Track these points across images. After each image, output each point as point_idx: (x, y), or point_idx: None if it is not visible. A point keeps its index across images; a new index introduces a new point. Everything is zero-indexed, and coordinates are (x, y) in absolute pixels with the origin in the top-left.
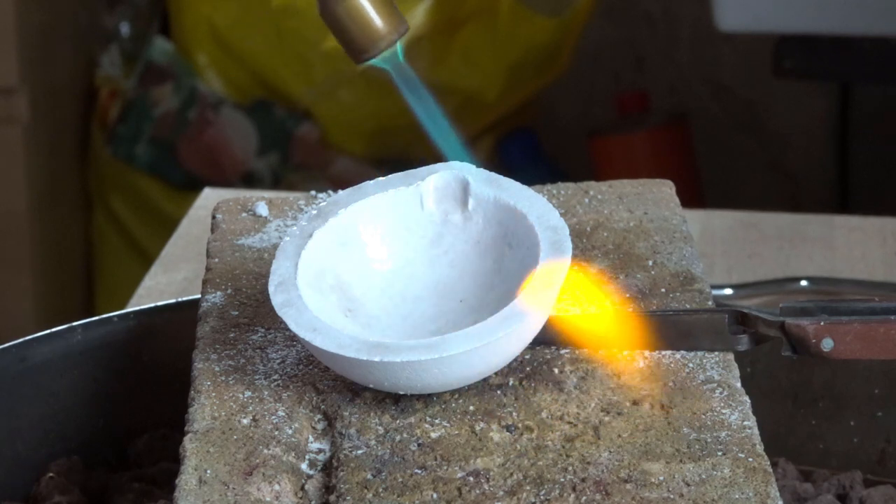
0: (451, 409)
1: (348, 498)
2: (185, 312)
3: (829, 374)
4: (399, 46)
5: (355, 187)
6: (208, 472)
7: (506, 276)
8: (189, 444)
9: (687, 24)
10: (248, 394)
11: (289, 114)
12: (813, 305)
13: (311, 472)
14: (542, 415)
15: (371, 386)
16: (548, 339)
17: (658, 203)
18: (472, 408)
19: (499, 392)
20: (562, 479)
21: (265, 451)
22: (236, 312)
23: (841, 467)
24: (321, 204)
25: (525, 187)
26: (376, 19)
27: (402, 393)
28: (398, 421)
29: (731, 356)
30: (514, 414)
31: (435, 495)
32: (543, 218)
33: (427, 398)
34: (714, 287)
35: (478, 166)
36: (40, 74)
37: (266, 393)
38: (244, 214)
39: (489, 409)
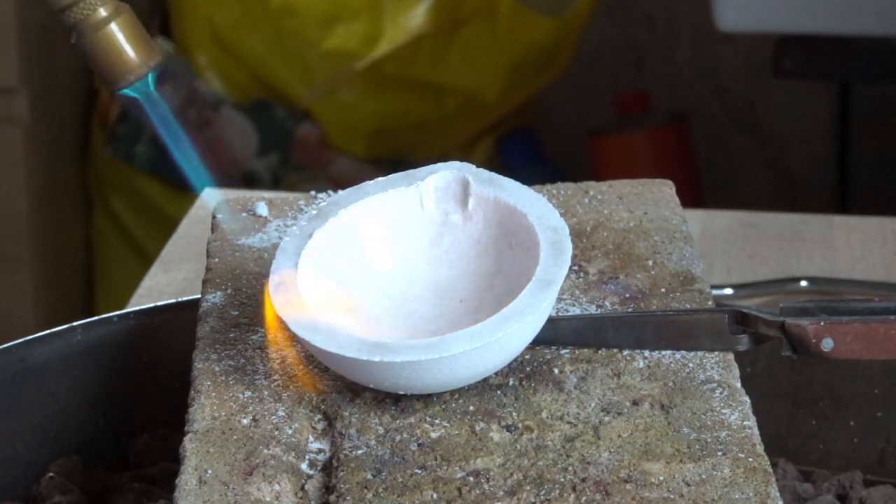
0: (451, 409)
1: (348, 498)
2: (185, 312)
3: (829, 374)
4: (151, 77)
5: (355, 187)
6: (208, 472)
7: (506, 276)
8: (189, 444)
9: (687, 24)
10: (248, 394)
11: (289, 114)
12: (813, 305)
13: (311, 472)
14: (542, 415)
15: (371, 386)
16: (548, 339)
17: (658, 203)
18: (472, 408)
19: (499, 392)
20: (562, 479)
21: (265, 451)
22: (236, 312)
23: (841, 467)
24: (321, 204)
25: (525, 187)
26: (128, 51)
27: (402, 393)
28: (398, 421)
29: (731, 356)
30: (514, 414)
31: (435, 495)
32: (543, 218)
33: (427, 398)
34: (714, 287)
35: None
36: (40, 74)
37: (266, 393)
38: (244, 214)
39: (489, 409)
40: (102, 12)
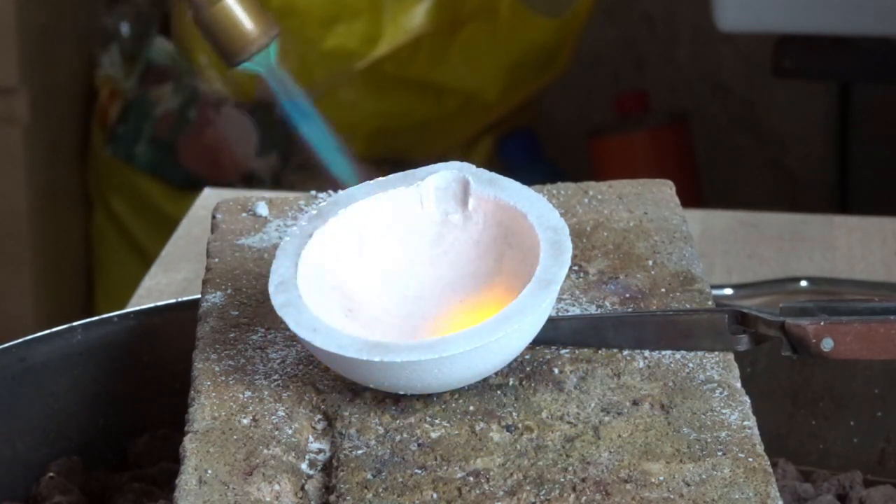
0: (451, 409)
1: (348, 498)
2: (185, 312)
3: (829, 374)
4: (272, 49)
5: (355, 187)
6: (208, 472)
7: (506, 276)
8: (189, 444)
9: (687, 24)
10: (248, 394)
11: None
12: (813, 305)
13: (311, 472)
14: (542, 415)
15: (371, 386)
16: (548, 339)
17: (658, 203)
18: (472, 408)
19: (499, 392)
20: (562, 479)
21: (265, 451)
22: (236, 312)
23: (841, 467)
24: (321, 204)
25: (525, 187)
26: (247, 23)
27: (402, 393)
28: (398, 421)
29: (731, 356)
30: (514, 414)
31: (435, 495)
32: (543, 218)
33: (427, 398)
34: (714, 287)
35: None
36: (40, 74)
37: (266, 393)
38: (244, 214)
39: (489, 409)
40: None
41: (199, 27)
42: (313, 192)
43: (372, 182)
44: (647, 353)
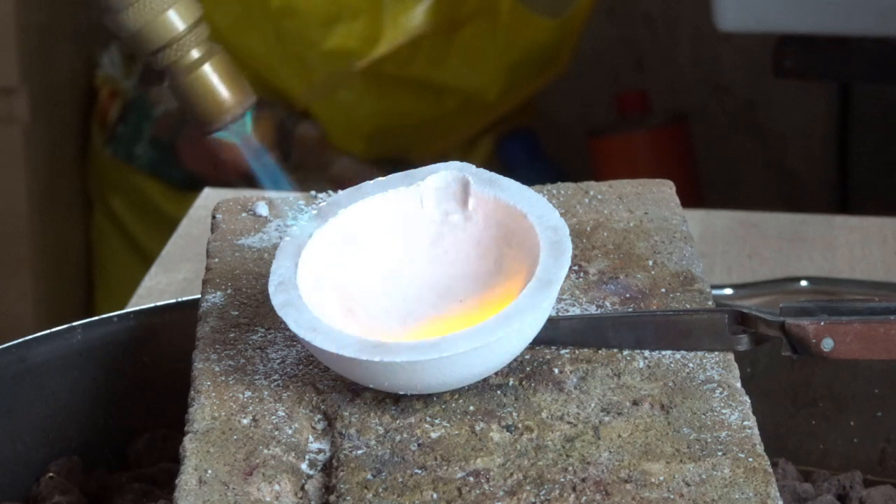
0: (451, 409)
1: (348, 498)
2: (185, 312)
3: (829, 374)
4: (247, 118)
5: (355, 187)
6: (208, 472)
7: (506, 276)
8: (189, 444)
9: (687, 24)
10: (248, 394)
11: (289, 114)
12: (813, 305)
13: (311, 472)
14: (542, 415)
15: (371, 386)
16: (548, 339)
17: (658, 203)
18: (472, 408)
19: (499, 392)
20: (562, 479)
21: (265, 451)
22: (236, 312)
23: (841, 467)
24: (321, 204)
25: (525, 187)
26: (223, 92)
27: (402, 393)
28: (398, 421)
29: (731, 356)
30: (514, 414)
31: (435, 495)
32: (543, 218)
33: (427, 398)
34: (714, 287)
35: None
36: (40, 74)
37: (266, 393)
38: (244, 214)
39: (489, 409)
40: (195, 54)
41: (175, 94)
42: (313, 193)
43: (372, 182)
44: (647, 353)
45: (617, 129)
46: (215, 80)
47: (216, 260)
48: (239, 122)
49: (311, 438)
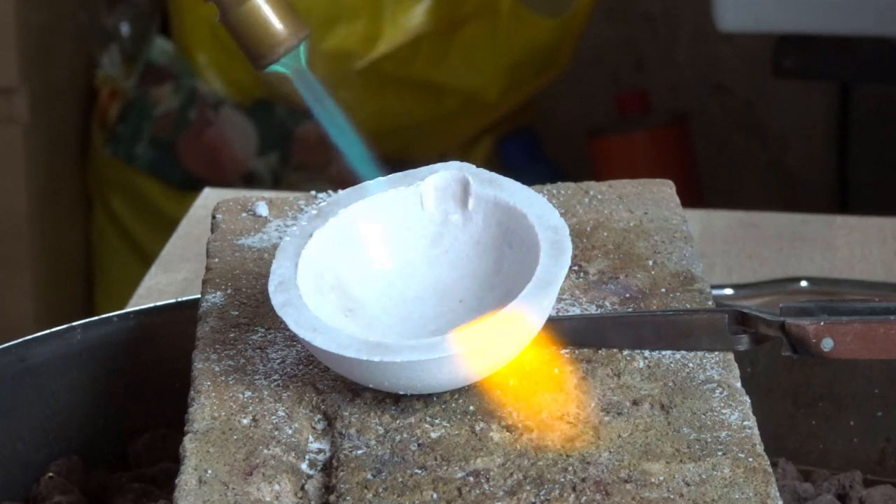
0: (451, 409)
1: (348, 498)
2: (185, 312)
3: (829, 374)
4: (301, 51)
5: (355, 187)
6: (208, 472)
7: (506, 276)
8: (189, 444)
9: (687, 24)
10: (248, 394)
11: (289, 114)
12: (813, 305)
13: (311, 472)
14: (542, 415)
15: (371, 386)
16: (548, 338)
17: (658, 203)
18: (472, 408)
19: (499, 392)
20: (562, 479)
21: (265, 451)
22: (236, 312)
23: (841, 467)
24: (321, 204)
25: (525, 187)
26: (276, 24)
27: (402, 393)
28: (398, 421)
29: (731, 356)
30: (514, 414)
31: (435, 495)
32: (543, 218)
33: (427, 398)
34: (714, 287)
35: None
36: (40, 74)
37: (266, 393)
38: (244, 214)
39: (489, 409)
40: None
41: (227, 28)
42: (313, 193)
43: (372, 182)
44: (647, 353)
45: (617, 129)
46: (268, 10)
47: (216, 260)
48: (293, 54)
49: (311, 438)
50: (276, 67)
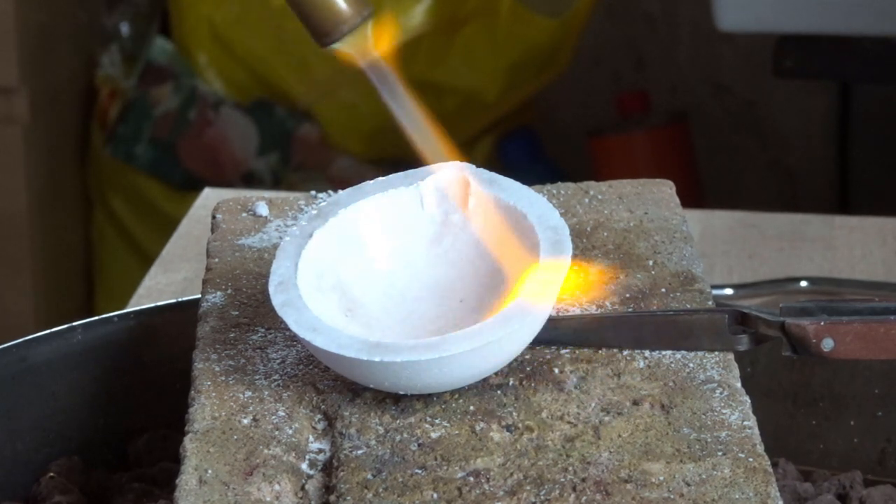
0: (451, 409)
1: (348, 498)
2: (185, 312)
3: (829, 374)
4: (367, 28)
5: (355, 187)
6: (208, 472)
7: (506, 276)
8: (189, 444)
9: (687, 24)
10: (248, 394)
11: (289, 114)
12: (813, 305)
13: (312, 472)
14: (542, 415)
15: (371, 386)
16: (548, 339)
17: (658, 203)
18: (472, 408)
19: (499, 392)
20: (562, 479)
21: (265, 451)
22: (236, 312)
23: (841, 467)
24: (321, 204)
25: (525, 187)
26: (339, 1)
27: (402, 393)
28: (398, 421)
29: (731, 356)
30: (514, 414)
31: (435, 495)
32: (543, 218)
33: (427, 398)
34: (714, 287)
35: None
36: (40, 74)
37: (266, 393)
38: (244, 214)
39: (489, 409)
40: None
41: (290, 5)
42: (313, 193)
43: (372, 182)
44: (647, 353)
45: (617, 129)
46: None
47: (216, 260)
48: (357, 32)
49: (311, 438)
50: (340, 46)
